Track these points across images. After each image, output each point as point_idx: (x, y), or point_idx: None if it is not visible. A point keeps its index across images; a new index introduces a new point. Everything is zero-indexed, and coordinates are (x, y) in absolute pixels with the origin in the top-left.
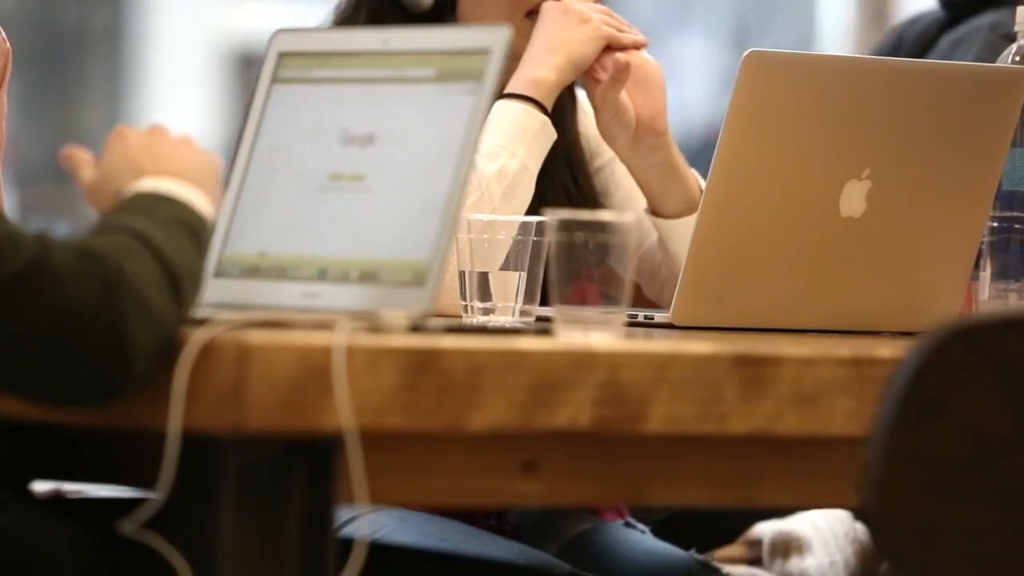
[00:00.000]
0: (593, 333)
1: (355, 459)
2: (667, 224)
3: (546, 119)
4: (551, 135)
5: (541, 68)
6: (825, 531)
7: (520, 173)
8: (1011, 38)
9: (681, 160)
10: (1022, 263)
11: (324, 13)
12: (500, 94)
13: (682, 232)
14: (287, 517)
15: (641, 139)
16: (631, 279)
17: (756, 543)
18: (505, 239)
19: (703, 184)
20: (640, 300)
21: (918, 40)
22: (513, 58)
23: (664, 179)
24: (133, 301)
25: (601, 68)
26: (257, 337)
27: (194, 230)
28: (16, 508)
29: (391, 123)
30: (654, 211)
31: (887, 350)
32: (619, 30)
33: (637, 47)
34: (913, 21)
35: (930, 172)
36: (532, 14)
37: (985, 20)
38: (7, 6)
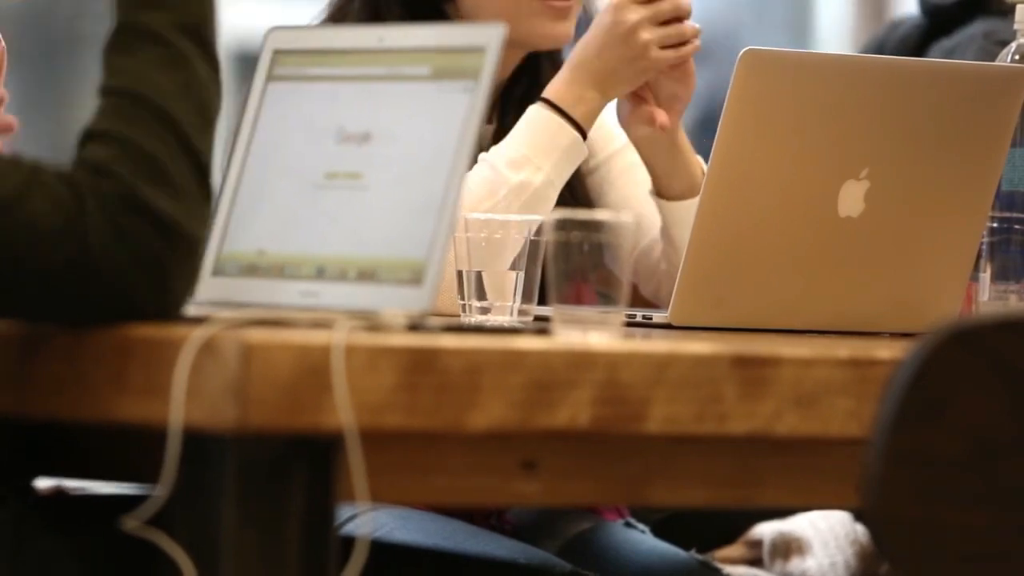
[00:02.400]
0: (592, 333)
1: (355, 458)
2: (670, 206)
3: (579, 137)
4: (581, 153)
5: (591, 89)
6: (825, 532)
7: (544, 188)
8: (1006, 44)
9: (687, 143)
10: (1022, 264)
11: (317, 11)
12: (504, 87)
13: (684, 215)
14: (288, 515)
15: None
16: (628, 279)
17: (756, 543)
18: (515, 240)
19: (706, 168)
20: (636, 299)
21: (900, 46)
22: (513, 46)
23: (669, 159)
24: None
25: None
26: (256, 335)
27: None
28: (18, 505)
29: (387, 121)
30: (658, 192)
31: (887, 351)
32: (678, 42)
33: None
34: (894, 27)
35: (930, 172)
36: None
37: (978, 29)
38: (2, 6)
